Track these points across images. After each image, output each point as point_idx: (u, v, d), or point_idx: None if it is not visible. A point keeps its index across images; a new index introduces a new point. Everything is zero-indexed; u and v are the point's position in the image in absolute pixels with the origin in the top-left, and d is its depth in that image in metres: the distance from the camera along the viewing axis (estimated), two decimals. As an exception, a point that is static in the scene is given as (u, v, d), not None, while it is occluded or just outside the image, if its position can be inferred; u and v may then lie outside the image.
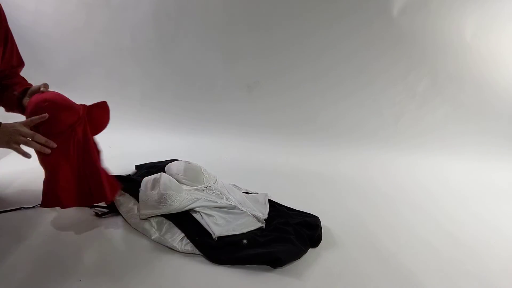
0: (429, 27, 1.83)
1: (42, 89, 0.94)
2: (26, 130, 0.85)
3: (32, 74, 1.82)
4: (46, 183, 0.90)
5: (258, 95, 2.01)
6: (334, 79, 1.97)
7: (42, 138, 0.86)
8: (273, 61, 1.99)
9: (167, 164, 1.36)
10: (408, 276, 0.85)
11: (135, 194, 1.08)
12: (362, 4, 1.83)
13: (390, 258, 0.92)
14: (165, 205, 0.98)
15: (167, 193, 0.99)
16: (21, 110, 1.03)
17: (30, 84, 1.04)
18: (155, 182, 1.05)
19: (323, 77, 1.98)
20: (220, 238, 0.90)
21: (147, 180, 1.08)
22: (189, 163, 1.20)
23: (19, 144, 0.85)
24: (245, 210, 1.02)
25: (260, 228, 0.98)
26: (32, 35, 1.87)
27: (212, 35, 1.96)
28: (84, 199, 0.94)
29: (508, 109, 1.86)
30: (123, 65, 1.97)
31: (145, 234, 0.94)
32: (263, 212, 1.06)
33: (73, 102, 0.92)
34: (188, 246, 0.88)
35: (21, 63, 1.08)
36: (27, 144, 0.85)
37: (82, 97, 1.94)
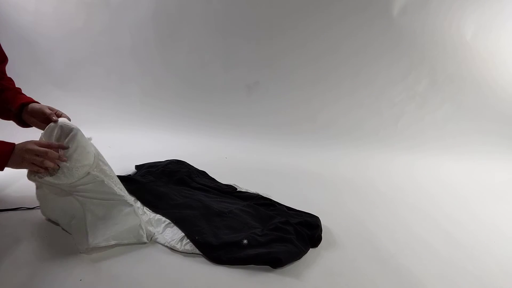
0: (429, 27, 1.83)
1: (54, 118, 0.92)
2: (39, 148, 0.83)
3: (32, 74, 1.85)
4: None
5: (258, 95, 2.01)
6: (334, 79, 1.97)
7: (55, 154, 0.84)
8: (273, 61, 1.99)
9: (167, 164, 1.36)
10: (408, 276, 0.85)
11: (135, 194, 1.08)
12: (362, 5, 1.83)
13: (390, 258, 0.92)
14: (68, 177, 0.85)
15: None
16: (20, 123, 1.02)
17: (25, 97, 1.02)
18: (71, 138, 0.88)
19: (323, 77, 1.98)
20: (220, 238, 0.90)
21: (53, 127, 0.90)
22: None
23: (32, 164, 0.84)
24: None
25: (259, 228, 0.97)
26: (32, 35, 1.88)
27: (212, 35, 1.96)
28: None
29: (508, 109, 1.86)
30: (123, 65, 1.97)
31: (145, 234, 0.94)
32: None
33: None
34: (188, 246, 0.88)
35: (4, 59, 1.05)
36: (41, 164, 0.83)
37: (82, 96, 1.96)
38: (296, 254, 0.87)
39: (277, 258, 0.82)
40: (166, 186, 1.19)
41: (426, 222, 1.14)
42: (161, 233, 0.93)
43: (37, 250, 0.85)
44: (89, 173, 0.87)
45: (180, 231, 0.93)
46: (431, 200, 1.32)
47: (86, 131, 1.14)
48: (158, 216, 0.99)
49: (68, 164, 0.85)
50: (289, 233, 0.93)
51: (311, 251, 0.92)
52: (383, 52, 1.90)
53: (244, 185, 1.27)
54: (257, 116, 1.99)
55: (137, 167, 1.38)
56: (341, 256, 0.92)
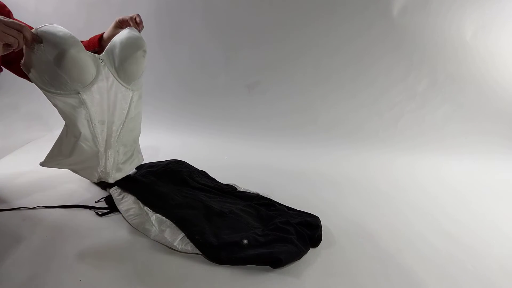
0: (429, 27, 1.83)
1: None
2: (11, 20, 0.69)
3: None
4: None
5: (259, 96, 2.02)
6: (335, 81, 1.97)
7: (30, 32, 0.73)
8: (275, 63, 1.99)
9: (167, 164, 1.36)
10: (408, 276, 0.85)
11: (135, 194, 1.08)
12: (362, 6, 1.83)
13: (390, 258, 0.92)
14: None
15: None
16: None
17: (93, 37, 1.07)
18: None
19: (324, 79, 1.98)
20: (221, 238, 0.90)
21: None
22: None
23: (3, 33, 0.68)
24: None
25: (260, 228, 0.98)
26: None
27: (214, 36, 1.96)
28: None
29: (508, 109, 1.86)
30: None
31: (145, 234, 0.94)
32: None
33: None
34: (188, 246, 0.88)
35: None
36: (17, 35, 0.70)
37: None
38: (296, 254, 0.87)
39: (277, 258, 0.82)
40: (167, 186, 1.19)
41: (427, 221, 1.14)
42: (162, 233, 0.93)
43: (37, 250, 0.85)
44: (79, 93, 0.82)
45: (180, 231, 0.92)
46: (432, 199, 1.32)
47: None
48: (159, 216, 0.99)
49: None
50: (289, 233, 0.93)
51: (311, 251, 0.92)
52: (383, 53, 1.90)
53: (244, 185, 1.27)
54: (257, 117, 1.99)
55: (137, 167, 1.38)
56: (341, 256, 0.92)
